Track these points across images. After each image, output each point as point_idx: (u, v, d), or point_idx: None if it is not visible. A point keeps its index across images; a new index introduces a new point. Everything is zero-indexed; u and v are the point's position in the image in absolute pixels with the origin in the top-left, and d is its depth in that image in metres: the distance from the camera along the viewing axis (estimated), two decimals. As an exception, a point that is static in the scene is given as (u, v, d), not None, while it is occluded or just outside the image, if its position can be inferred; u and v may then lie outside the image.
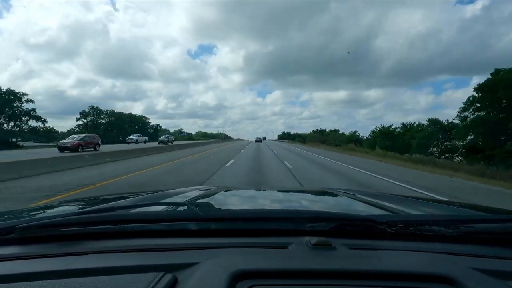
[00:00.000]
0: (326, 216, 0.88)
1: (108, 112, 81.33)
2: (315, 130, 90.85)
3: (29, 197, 5.46)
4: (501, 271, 0.66)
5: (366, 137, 65.89)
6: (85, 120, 74.58)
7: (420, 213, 1.22)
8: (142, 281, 0.56)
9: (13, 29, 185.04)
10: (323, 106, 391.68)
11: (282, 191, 2.02)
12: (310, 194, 1.86)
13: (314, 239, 0.74)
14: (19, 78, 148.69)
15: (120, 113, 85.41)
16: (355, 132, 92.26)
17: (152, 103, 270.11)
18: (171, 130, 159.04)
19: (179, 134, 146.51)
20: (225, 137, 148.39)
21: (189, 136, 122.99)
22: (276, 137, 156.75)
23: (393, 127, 51.31)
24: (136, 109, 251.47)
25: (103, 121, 78.28)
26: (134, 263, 0.67)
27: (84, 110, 76.05)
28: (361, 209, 1.33)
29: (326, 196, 1.70)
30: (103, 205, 1.17)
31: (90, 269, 0.64)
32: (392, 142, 42.33)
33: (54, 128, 69.02)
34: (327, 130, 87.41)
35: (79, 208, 1.27)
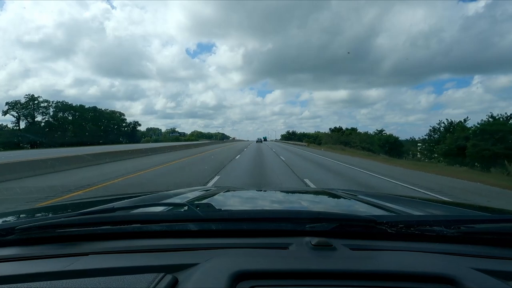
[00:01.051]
0: (327, 217, 0.87)
1: (58, 104, 59.77)
2: (332, 128, 71.69)
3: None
4: (502, 271, 0.66)
5: (412, 139, 46.61)
6: (15, 114, 54.24)
7: (421, 213, 1.20)
8: (142, 281, 0.56)
9: (7, 27, 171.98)
10: (323, 106, 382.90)
11: (283, 192, 1.98)
12: (310, 195, 1.86)
13: (314, 240, 0.74)
14: (16, 78, 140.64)
15: (80, 107, 65.23)
16: (382, 131, 70.07)
17: (151, 102, 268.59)
18: (163, 130, 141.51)
19: (170, 134, 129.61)
20: (222, 137, 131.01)
21: (176, 137, 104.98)
22: (279, 137, 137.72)
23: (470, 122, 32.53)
24: (135, 109, 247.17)
25: (47, 117, 57.97)
26: (134, 264, 0.67)
27: (18, 100, 54.48)
28: (361, 209, 1.32)
29: (326, 197, 1.70)
30: (103, 206, 1.17)
31: (90, 270, 0.64)
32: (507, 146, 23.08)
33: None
34: (344, 129, 68.54)
35: (79, 209, 1.23)
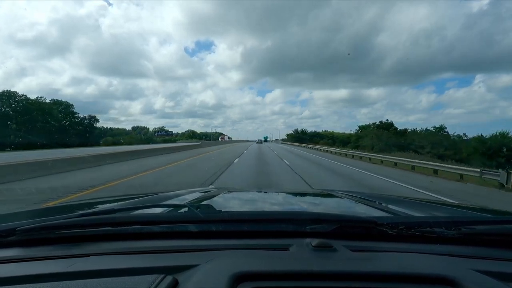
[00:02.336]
0: (327, 218, 0.87)
1: None
2: (377, 124, 48.69)
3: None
4: (502, 272, 0.66)
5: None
6: None
7: (421, 215, 1.20)
8: (143, 283, 0.56)
9: (1, 24, 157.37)
10: (323, 105, 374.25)
11: (283, 193, 1.95)
12: (311, 196, 1.84)
13: (315, 241, 0.74)
14: (12, 76, 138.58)
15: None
16: (442, 128, 46.74)
17: (150, 102, 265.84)
18: (150, 129, 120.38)
19: (156, 134, 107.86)
20: (219, 136, 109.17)
21: (150, 137, 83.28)
22: (281, 137, 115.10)
23: None
24: (134, 108, 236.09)
25: None
26: (134, 265, 0.67)
27: None
28: (362, 211, 1.33)
29: (327, 198, 1.69)
30: (103, 207, 1.15)
31: (91, 271, 0.64)
32: None
33: None
34: (390, 124, 45.98)
35: (80, 210, 1.23)
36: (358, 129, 60.72)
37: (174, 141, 70.37)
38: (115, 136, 72.54)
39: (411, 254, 0.74)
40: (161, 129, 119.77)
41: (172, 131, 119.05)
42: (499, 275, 0.64)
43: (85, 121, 59.60)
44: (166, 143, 61.48)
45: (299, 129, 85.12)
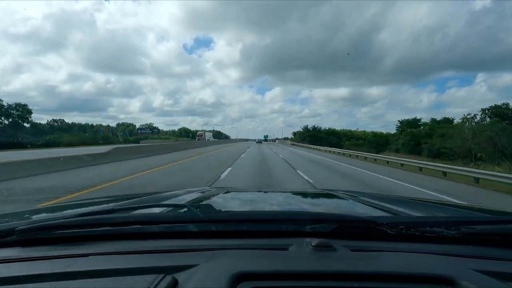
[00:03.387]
0: (327, 218, 0.87)
1: None
2: (486, 109, 27.84)
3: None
4: (502, 272, 0.66)
5: None
6: None
7: (421, 215, 1.20)
8: (142, 283, 0.56)
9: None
10: (323, 104, 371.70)
11: (283, 193, 1.95)
12: (311, 196, 1.84)
13: (314, 241, 0.74)
14: (7, 73, 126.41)
15: None
16: None
17: (149, 100, 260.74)
18: (137, 125, 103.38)
19: (140, 131, 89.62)
20: (215, 135, 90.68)
21: (106, 135, 64.26)
22: (288, 135, 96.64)
23: None
24: (133, 106, 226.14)
25: None
26: (134, 265, 0.67)
27: None
28: (362, 210, 1.32)
29: (327, 198, 1.70)
30: (102, 207, 1.16)
31: (90, 271, 0.64)
32: None
33: None
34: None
35: (79, 210, 1.23)
36: (399, 124, 41.31)
37: (139, 141, 52.96)
38: (97, 133, 56.00)
39: (411, 254, 0.74)
40: (148, 126, 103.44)
41: (158, 129, 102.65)
42: (499, 275, 0.64)
43: (12, 111, 41.82)
44: (135, 143, 44.34)
45: (309, 126, 66.29)
